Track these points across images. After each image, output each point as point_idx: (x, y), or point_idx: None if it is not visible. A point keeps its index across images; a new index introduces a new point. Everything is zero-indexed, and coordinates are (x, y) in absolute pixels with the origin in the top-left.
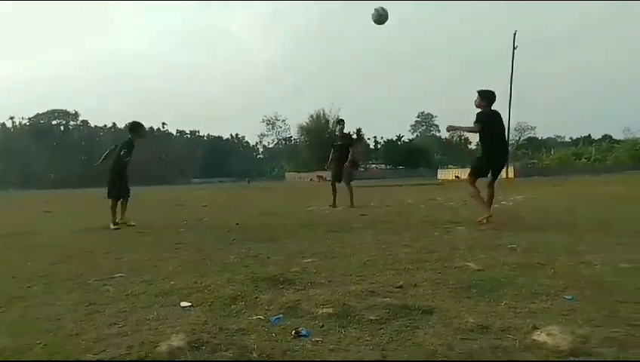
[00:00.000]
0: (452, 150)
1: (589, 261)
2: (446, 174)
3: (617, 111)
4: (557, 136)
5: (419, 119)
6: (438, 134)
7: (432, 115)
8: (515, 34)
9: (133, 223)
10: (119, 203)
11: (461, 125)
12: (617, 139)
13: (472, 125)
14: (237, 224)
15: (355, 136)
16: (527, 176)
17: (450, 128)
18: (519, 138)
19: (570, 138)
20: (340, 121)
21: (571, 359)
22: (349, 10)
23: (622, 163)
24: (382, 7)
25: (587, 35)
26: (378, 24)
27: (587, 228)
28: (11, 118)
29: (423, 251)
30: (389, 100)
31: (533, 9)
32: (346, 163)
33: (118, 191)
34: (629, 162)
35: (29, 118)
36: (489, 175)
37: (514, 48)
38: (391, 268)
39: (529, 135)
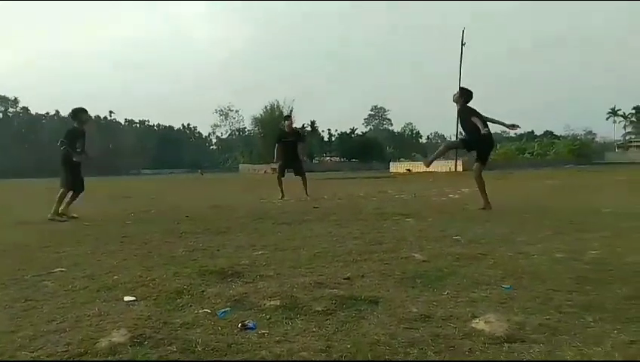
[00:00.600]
0: (404, 143)
1: (526, 251)
2: (398, 167)
3: (558, 109)
4: (502, 132)
5: (372, 112)
6: (390, 128)
7: (384, 109)
8: (463, 31)
9: (75, 215)
10: (69, 194)
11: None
12: (558, 135)
13: (479, 122)
14: (187, 216)
15: (303, 132)
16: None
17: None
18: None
19: (515, 134)
20: (287, 117)
21: (506, 345)
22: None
23: (562, 157)
24: None
25: (541, 34)
26: None
27: (526, 220)
28: None
29: (372, 243)
30: (343, 93)
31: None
32: (302, 156)
33: (74, 183)
34: (568, 157)
35: None
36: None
37: (462, 44)
38: (340, 259)
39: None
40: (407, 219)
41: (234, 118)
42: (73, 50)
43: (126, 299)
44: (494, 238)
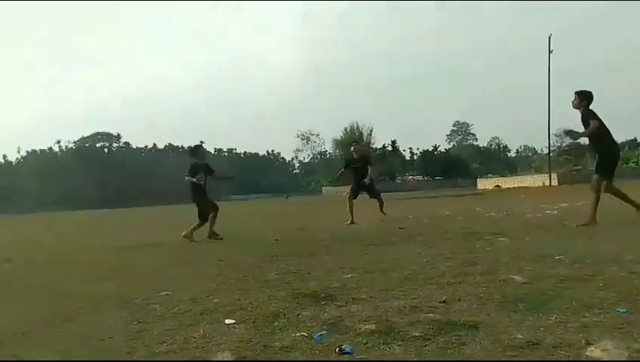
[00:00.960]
0: (490, 159)
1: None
2: (485, 183)
3: None
4: None
5: (455, 128)
6: (475, 143)
7: (468, 124)
8: (550, 38)
9: (196, 240)
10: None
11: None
12: None
13: (591, 126)
14: (276, 240)
15: (370, 156)
16: (571, 183)
17: (570, 139)
18: (561, 144)
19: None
20: (355, 143)
21: None
22: (376, 18)
23: None
24: None
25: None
26: None
27: (636, 236)
28: (58, 141)
29: (465, 264)
30: (424, 110)
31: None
32: (365, 179)
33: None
34: None
35: (75, 142)
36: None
37: (549, 52)
38: (433, 282)
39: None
40: (501, 239)
41: (315, 142)
42: (167, 81)
43: (227, 321)
44: (601, 257)
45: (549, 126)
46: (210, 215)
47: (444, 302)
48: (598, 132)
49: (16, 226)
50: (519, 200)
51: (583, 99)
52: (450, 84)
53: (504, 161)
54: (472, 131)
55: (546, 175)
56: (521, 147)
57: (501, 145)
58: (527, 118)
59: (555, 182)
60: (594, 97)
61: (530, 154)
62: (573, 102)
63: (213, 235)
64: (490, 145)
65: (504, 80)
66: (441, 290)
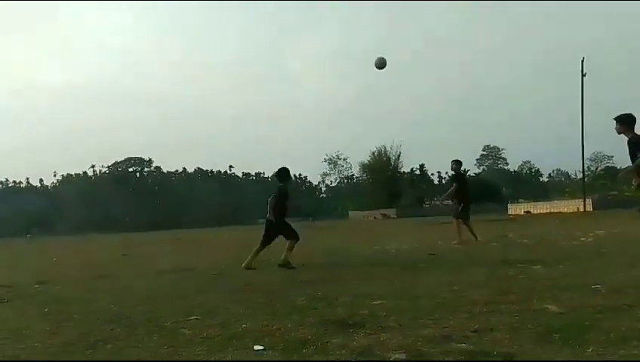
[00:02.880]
0: (521, 183)
1: None
2: (517, 209)
3: None
4: None
5: (485, 152)
6: (506, 167)
7: (498, 148)
8: (582, 61)
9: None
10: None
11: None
12: None
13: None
14: (303, 265)
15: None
16: (607, 209)
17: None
18: (596, 168)
19: None
20: (456, 162)
21: None
22: (402, 44)
23: None
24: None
25: None
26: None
27: None
28: (92, 166)
29: (497, 293)
30: (452, 134)
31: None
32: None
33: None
34: None
35: (108, 166)
36: None
37: (582, 75)
38: (464, 310)
39: (606, 164)
40: (535, 267)
41: (342, 166)
42: (200, 109)
43: (255, 347)
44: None
45: (583, 150)
46: (290, 241)
47: (476, 331)
48: None
49: (51, 249)
50: (553, 226)
51: (623, 123)
52: (480, 108)
53: (536, 185)
54: (502, 155)
55: (580, 200)
56: (553, 171)
57: (533, 170)
58: (559, 142)
59: (589, 208)
60: (636, 120)
61: (563, 178)
62: (615, 128)
63: (286, 263)
64: (522, 170)
65: (536, 103)
66: (472, 319)
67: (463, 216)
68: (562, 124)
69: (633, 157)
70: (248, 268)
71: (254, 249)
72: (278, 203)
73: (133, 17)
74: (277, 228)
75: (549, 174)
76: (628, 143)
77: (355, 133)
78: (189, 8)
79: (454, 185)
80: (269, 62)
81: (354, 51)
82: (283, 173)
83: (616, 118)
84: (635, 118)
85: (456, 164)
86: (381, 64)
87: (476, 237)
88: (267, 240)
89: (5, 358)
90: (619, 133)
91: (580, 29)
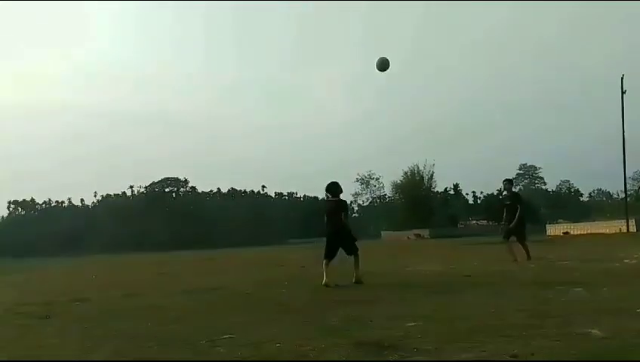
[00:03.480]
0: (561, 203)
1: None
2: (555, 230)
3: None
4: None
5: (521, 171)
6: (543, 187)
7: (535, 167)
8: (622, 78)
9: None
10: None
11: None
12: None
13: None
14: (336, 285)
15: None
16: None
17: None
18: (638, 188)
19: None
20: (509, 181)
21: None
22: (429, 60)
23: None
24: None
25: None
26: (381, 70)
27: None
28: (131, 186)
29: (537, 316)
30: (486, 153)
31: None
32: (514, 221)
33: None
34: None
35: (146, 187)
36: None
37: (622, 93)
38: (502, 334)
39: None
40: (576, 289)
41: (374, 186)
42: (229, 127)
43: None
44: None
45: (625, 168)
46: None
47: (515, 356)
48: None
49: (90, 267)
50: (594, 247)
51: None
52: (516, 126)
53: (576, 205)
54: (539, 175)
55: (623, 221)
56: (594, 191)
57: (572, 189)
58: (600, 161)
59: (633, 229)
60: None
61: (604, 198)
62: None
63: (359, 279)
64: (561, 189)
65: (575, 121)
66: (511, 343)
67: (522, 235)
68: (603, 142)
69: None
70: (327, 285)
71: (324, 265)
72: (346, 215)
73: (170, 43)
74: (341, 240)
75: (590, 194)
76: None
77: (388, 152)
78: (225, 31)
79: (519, 206)
80: (297, 84)
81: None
82: (333, 187)
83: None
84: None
85: (509, 183)
86: (382, 65)
87: (516, 258)
88: (331, 252)
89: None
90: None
91: (620, 43)
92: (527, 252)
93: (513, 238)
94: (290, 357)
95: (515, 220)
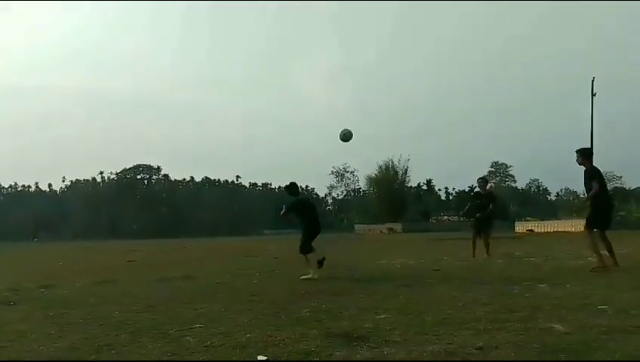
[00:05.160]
0: (530, 201)
1: None
2: (523, 227)
3: None
4: None
5: (492, 169)
6: (513, 185)
7: (506, 165)
8: (593, 80)
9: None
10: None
11: (590, 195)
12: None
13: (594, 187)
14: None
15: (493, 193)
16: (616, 230)
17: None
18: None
19: None
20: (482, 179)
21: None
22: (407, 55)
23: None
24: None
25: None
26: (343, 141)
27: None
28: (101, 172)
29: (503, 310)
30: (459, 150)
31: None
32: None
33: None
34: None
35: (117, 173)
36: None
37: (592, 95)
38: (469, 327)
39: (615, 185)
40: (541, 285)
41: (349, 179)
42: (208, 117)
43: (259, 358)
44: None
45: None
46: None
47: (480, 348)
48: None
49: (57, 253)
50: (560, 245)
51: (587, 157)
52: (489, 124)
53: (544, 203)
54: (510, 173)
55: None
56: (561, 190)
57: (541, 188)
58: (568, 161)
59: None
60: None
61: (571, 197)
62: (577, 159)
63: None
64: (530, 188)
65: (545, 120)
66: (477, 336)
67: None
68: (571, 142)
69: (587, 185)
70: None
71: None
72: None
73: (147, 26)
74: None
75: (557, 193)
76: (585, 173)
77: (362, 145)
78: (205, 17)
79: (491, 204)
80: (277, 74)
81: (360, 64)
82: (293, 187)
83: (577, 151)
84: (593, 152)
85: (484, 182)
86: (346, 136)
87: (488, 254)
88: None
89: (10, 359)
90: (579, 164)
91: (591, 43)
92: (488, 248)
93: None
94: (259, 347)
95: (486, 215)
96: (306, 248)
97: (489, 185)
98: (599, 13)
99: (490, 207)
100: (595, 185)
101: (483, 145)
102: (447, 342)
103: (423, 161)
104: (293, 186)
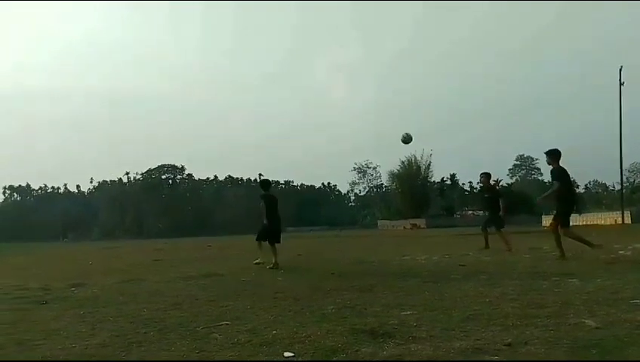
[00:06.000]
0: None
1: None
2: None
3: None
4: None
5: (518, 162)
6: (540, 178)
7: (532, 158)
8: (620, 69)
9: (270, 266)
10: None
11: (548, 193)
12: None
13: (555, 186)
14: (332, 273)
15: (498, 187)
16: None
17: (540, 202)
18: (634, 180)
19: None
20: (484, 174)
21: None
22: (429, 49)
23: None
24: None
25: None
26: (405, 143)
27: None
28: (127, 173)
29: (532, 305)
30: (483, 143)
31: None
32: (500, 212)
33: (264, 236)
34: None
35: (142, 173)
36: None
37: (620, 84)
38: (497, 323)
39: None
40: (571, 280)
41: (372, 175)
42: (226, 116)
43: (286, 354)
44: None
45: (621, 161)
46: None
47: (509, 344)
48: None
49: (86, 253)
50: (589, 239)
51: (555, 158)
52: (513, 118)
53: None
54: (536, 165)
55: (619, 212)
56: (590, 183)
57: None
58: (596, 153)
59: (628, 220)
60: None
61: (600, 190)
62: (547, 160)
63: (275, 265)
64: None
65: (572, 111)
66: (505, 332)
67: (499, 225)
68: (600, 133)
69: (553, 183)
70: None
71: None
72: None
73: (168, 27)
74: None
75: (586, 186)
76: (551, 172)
77: (385, 141)
78: (225, 18)
79: (500, 198)
80: (297, 72)
81: (381, 60)
82: (265, 183)
83: (546, 153)
84: (561, 153)
85: (487, 176)
86: (406, 139)
87: (510, 248)
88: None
89: (45, 358)
90: (549, 164)
91: (619, 33)
92: (487, 242)
93: (492, 228)
94: (285, 343)
95: (500, 210)
96: (260, 236)
97: (492, 180)
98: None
99: (500, 200)
100: (555, 184)
101: (508, 138)
102: (474, 338)
103: (447, 155)
104: (265, 182)
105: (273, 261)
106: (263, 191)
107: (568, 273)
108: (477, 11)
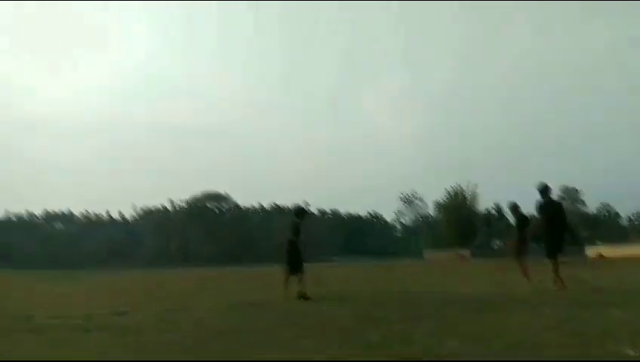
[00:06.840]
0: (600, 226)
1: None
2: (594, 252)
3: None
4: None
5: (562, 194)
6: (584, 209)
7: (576, 190)
8: None
9: (305, 298)
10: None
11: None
12: None
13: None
14: (378, 303)
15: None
16: None
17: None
18: None
19: None
20: (514, 205)
21: None
22: (478, 77)
23: None
24: None
25: None
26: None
27: None
28: (171, 200)
29: (573, 335)
30: (528, 173)
31: None
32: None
33: (293, 268)
34: None
35: (186, 201)
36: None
37: None
38: (537, 352)
39: None
40: (612, 310)
41: (418, 205)
42: (275, 149)
43: None
44: None
45: None
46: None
47: None
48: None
49: (132, 282)
50: (633, 270)
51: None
52: (559, 149)
53: (615, 228)
54: (580, 197)
55: None
56: (633, 214)
57: (612, 212)
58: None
59: None
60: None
61: None
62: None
63: (304, 295)
64: (600, 212)
65: (617, 144)
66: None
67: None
68: None
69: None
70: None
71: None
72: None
73: (212, 56)
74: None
75: (629, 217)
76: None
77: (432, 171)
78: (271, 45)
79: (525, 228)
80: (345, 102)
81: (427, 90)
82: (296, 211)
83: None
84: (548, 186)
85: (515, 207)
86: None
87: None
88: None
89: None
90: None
91: None
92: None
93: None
94: None
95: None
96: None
97: (520, 209)
98: None
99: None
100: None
101: (552, 168)
102: None
103: (493, 185)
104: (301, 210)
105: (302, 291)
106: (297, 219)
107: (610, 303)
108: (523, 44)
